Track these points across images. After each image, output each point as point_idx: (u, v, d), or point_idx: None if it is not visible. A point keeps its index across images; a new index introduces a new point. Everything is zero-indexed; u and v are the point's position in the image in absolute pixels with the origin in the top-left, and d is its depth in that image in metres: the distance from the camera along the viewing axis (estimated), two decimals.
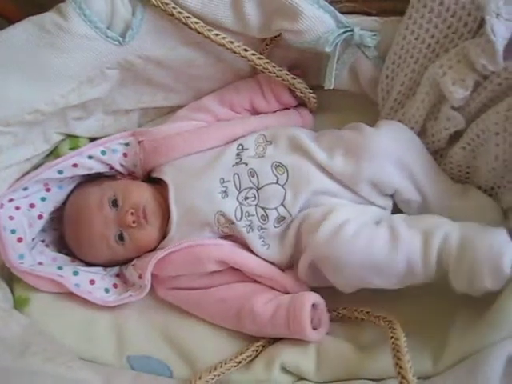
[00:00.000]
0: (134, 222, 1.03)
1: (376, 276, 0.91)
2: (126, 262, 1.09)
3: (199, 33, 1.00)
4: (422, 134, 1.02)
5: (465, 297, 0.93)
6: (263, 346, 0.99)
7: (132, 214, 1.03)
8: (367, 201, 1.00)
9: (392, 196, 1.02)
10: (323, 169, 1.00)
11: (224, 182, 1.02)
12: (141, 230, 1.04)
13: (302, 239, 0.98)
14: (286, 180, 1.00)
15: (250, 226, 1.01)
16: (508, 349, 0.79)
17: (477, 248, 0.85)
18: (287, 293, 1.01)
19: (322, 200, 0.99)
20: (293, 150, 1.03)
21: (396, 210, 1.03)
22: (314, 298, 0.97)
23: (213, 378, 0.91)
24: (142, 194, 1.06)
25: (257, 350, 0.98)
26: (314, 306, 0.97)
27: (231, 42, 1.02)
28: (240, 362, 0.95)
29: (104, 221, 1.04)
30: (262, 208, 1.01)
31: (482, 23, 0.89)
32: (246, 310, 0.98)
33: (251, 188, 1.01)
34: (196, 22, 0.99)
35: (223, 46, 1.01)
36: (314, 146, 1.02)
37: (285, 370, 0.96)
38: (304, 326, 0.94)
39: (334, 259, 0.92)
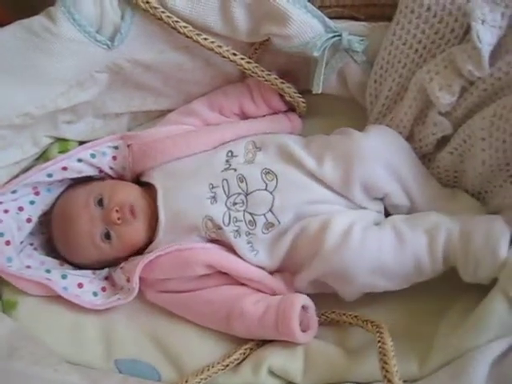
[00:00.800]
0: (118, 219, 1.03)
1: (384, 279, 0.94)
2: (114, 263, 1.09)
3: (188, 37, 1.00)
4: (409, 138, 1.03)
5: (451, 300, 0.94)
6: (251, 349, 0.99)
7: (117, 211, 1.03)
8: (360, 206, 1.01)
9: (382, 200, 1.02)
10: (314, 176, 1.01)
11: (213, 187, 1.03)
12: (127, 226, 1.04)
13: (298, 252, 0.99)
14: (275, 187, 1.01)
15: (237, 231, 1.01)
16: (492, 352, 0.80)
17: (475, 240, 0.88)
18: (275, 295, 1.01)
19: (316, 209, 1.00)
20: (282, 158, 1.03)
21: (386, 214, 1.03)
22: (303, 300, 0.97)
23: (199, 382, 0.91)
24: (129, 192, 1.07)
25: (244, 353, 0.98)
26: (303, 308, 0.97)
27: (220, 47, 1.02)
28: (227, 366, 0.95)
29: (90, 219, 1.04)
30: (250, 214, 1.01)
31: (468, 29, 0.90)
32: (235, 311, 0.98)
33: (240, 194, 1.02)
34: (185, 27, 0.99)
35: (212, 50, 1.02)
36: (303, 153, 1.02)
37: (272, 373, 0.96)
38: (293, 328, 0.94)
39: (344, 271, 0.93)
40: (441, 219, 0.94)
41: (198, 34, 1.00)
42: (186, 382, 0.89)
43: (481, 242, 0.88)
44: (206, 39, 1.01)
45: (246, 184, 1.02)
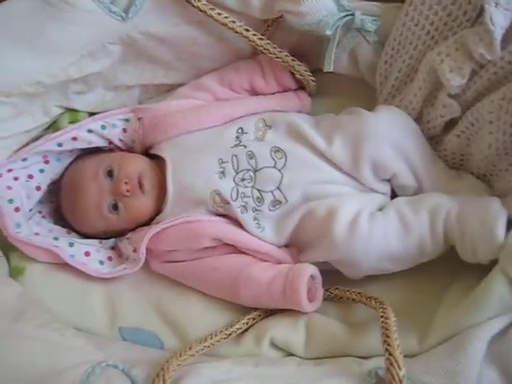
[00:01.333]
0: (127, 191, 1.04)
1: (390, 263, 0.96)
2: (120, 233, 1.10)
3: (202, 11, 1.01)
4: (418, 120, 1.04)
5: (452, 279, 0.95)
6: (254, 319, 1.00)
7: (126, 183, 1.04)
8: (367, 187, 1.02)
9: (389, 181, 1.03)
10: (323, 156, 1.02)
11: (222, 162, 1.04)
12: (135, 199, 1.05)
13: (305, 233, 1.00)
14: (284, 165, 1.02)
15: (244, 206, 1.02)
16: (491, 329, 0.81)
17: (472, 222, 0.90)
18: None
19: (324, 189, 1.01)
20: (292, 137, 1.04)
21: (392, 195, 1.05)
22: (312, 269, 0.98)
23: (202, 349, 0.92)
24: (138, 164, 1.07)
25: (247, 323, 0.99)
26: (311, 277, 0.98)
27: (233, 22, 1.03)
28: (230, 334, 0.96)
29: (99, 190, 1.05)
30: (258, 190, 1.02)
31: (481, 12, 0.90)
32: (242, 277, 0.99)
33: (248, 170, 1.03)
34: (199, 0, 1.00)
35: (225, 25, 1.02)
36: (312, 132, 1.03)
37: (274, 345, 0.97)
38: (300, 295, 0.95)
39: (351, 258, 0.96)
40: (442, 199, 0.96)
41: (211, 9, 1.01)
42: (190, 348, 0.90)
43: (477, 224, 0.89)
44: (219, 14, 1.01)
45: (256, 161, 1.03)
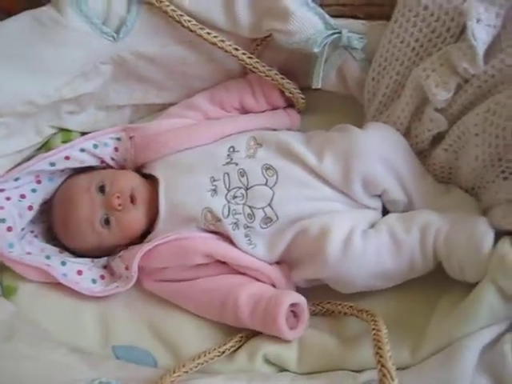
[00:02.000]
0: (119, 205, 1.04)
1: (381, 280, 0.98)
2: (112, 251, 1.10)
3: (192, 31, 1.02)
4: (406, 135, 1.05)
5: (444, 290, 0.96)
6: (246, 337, 1.00)
7: (118, 197, 1.05)
8: (359, 203, 1.03)
9: (380, 196, 1.04)
10: (314, 172, 1.03)
11: (214, 180, 1.04)
12: (127, 213, 1.05)
13: (297, 251, 1.01)
14: (275, 182, 1.03)
15: (236, 223, 1.03)
16: (482, 340, 0.82)
17: (459, 242, 0.92)
18: (273, 285, 1.03)
19: (316, 206, 1.02)
20: (283, 154, 1.05)
21: (383, 210, 1.06)
22: (293, 298, 0.98)
23: (196, 367, 0.92)
24: (130, 180, 1.09)
25: (240, 341, 0.99)
26: (293, 305, 0.98)
27: (222, 41, 1.04)
28: (223, 352, 0.96)
29: (91, 205, 1.06)
30: (249, 207, 1.03)
31: (463, 29, 0.93)
32: (230, 302, 0.99)
33: (240, 188, 1.04)
34: (189, 21, 1.02)
35: (215, 44, 1.04)
36: (303, 149, 1.04)
37: (267, 361, 0.97)
38: (279, 326, 0.95)
39: (345, 276, 0.97)
40: (431, 217, 0.97)
41: (201, 28, 1.03)
42: (183, 366, 0.90)
43: (464, 244, 0.91)
44: (209, 33, 1.03)
45: (247, 178, 1.04)
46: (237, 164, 1.05)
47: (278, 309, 0.95)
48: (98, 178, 1.08)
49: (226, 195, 1.04)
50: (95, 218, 1.06)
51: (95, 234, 1.07)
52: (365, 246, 0.95)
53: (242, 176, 1.04)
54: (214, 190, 1.04)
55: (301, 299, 0.99)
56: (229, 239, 1.04)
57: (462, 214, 0.97)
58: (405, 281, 0.99)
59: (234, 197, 1.03)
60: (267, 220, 1.02)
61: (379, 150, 1.01)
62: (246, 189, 1.03)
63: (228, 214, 1.03)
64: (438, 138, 1.03)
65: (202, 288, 1.03)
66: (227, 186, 1.04)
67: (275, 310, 0.95)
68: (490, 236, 0.90)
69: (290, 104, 1.16)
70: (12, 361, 0.86)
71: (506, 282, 0.84)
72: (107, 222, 1.06)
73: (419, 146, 1.05)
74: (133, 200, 1.05)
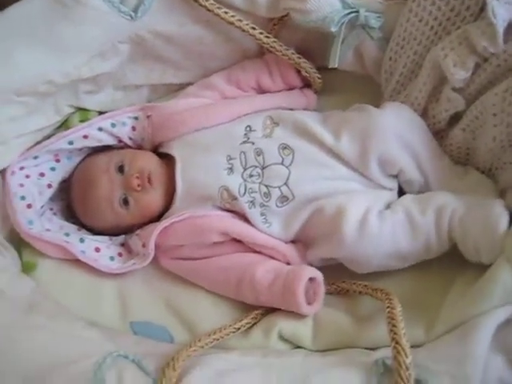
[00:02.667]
0: (138, 186, 1.05)
1: (397, 261, 0.98)
2: (130, 229, 1.12)
3: (209, 10, 1.03)
4: (423, 115, 1.05)
5: (459, 271, 0.96)
6: (262, 314, 1.01)
7: (137, 177, 1.06)
8: (375, 183, 1.03)
9: (396, 177, 1.04)
10: (331, 152, 1.03)
11: (230, 159, 1.05)
12: (145, 194, 1.06)
13: (312, 230, 1.02)
14: (292, 161, 1.03)
15: (252, 202, 1.04)
16: (497, 318, 0.82)
17: (475, 225, 0.92)
18: (288, 263, 1.04)
19: (332, 185, 1.02)
20: (299, 134, 1.05)
21: (399, 191, 1.06)
22: (311, 272, 0.99)
23: (212, 342, 0.93)
24: (148, 160, 1.09)
25: (256, 318, 1.00)
26: (311, 279, 0.99)
27: (240, 21, 1.04)
28: (239, 329, 0.97)
29: (110, 184, 1.07)
30: (266, 186, 1.03)
31: (483, 6, 0.92)
32: (246, 278, 1.00)
33: (256, 166, 1.04)
34: (206, 0, 1.02)
35: (232, 24, 1.04)
36: (320, 128, 1.04)
37: (282, 337, 0.98)
38: (298, 300, 0.96)
39: (361, 256, 0.97)
40: (447, 199, 0.97)
41: (218, 8, 1.03)
42: (199, 341, 0.91)
43: (479, 227, 0.91)
44: (226, 13, 1.03)
45: (263, 158, 1.04)
46: (253, 143, 1.05)
47: (297, 283, 0.96)
48: (117, 157, 1.09)
49: (243, 174, 1.04)
50: (114, 197, 1.07)
51: (114, 213, 1.08)
52: (381, 227, 0.96)
53: (259, 155, 1.04)
54: (231, 169, 1.05)
55: (318, 274, 0.99)
56: (245, 218, 1.05)
57: (478, 196, 0.97)
58: (420, 261, 0.99)
59: (251, 175, 1.04)
60: (283, 199, 1.03)
61: (396, 130, 1.01)
62: (262, 168, 1.04)
63: (244, 193, 1.04)
64: (456, 118, 1.02)
65: (218, 266, 1.04)
66: (243, 164, 1.04)
67: (294, 284, 0.96)
68: (505, 218, 0.90)
69: (306, 84, 1.16)
70: (30, 332, 0.88)
71: None
72: (126, 202, 1.07)
73: (436, 127, 1.05)
74: (151, 181, 1.06)
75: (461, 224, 0.93)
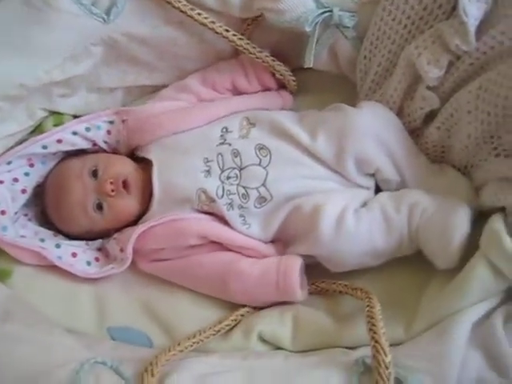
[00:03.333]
0: (112, 191, 1.04)
1: (372, 258, 0.99)
2: (106, 234, 1.11)
3: (182, 11, 1.02)
4: (399, 114, 1.05)
5: (436, 268, 0.97)
6: (242, 315, 1.01)
7: (111, 183, 1.04)
8: (352, 182, 1.03)
9: (373, 175, 1.05)
10: (307, 151, 1.03)
11: (208, 161, 1.04)
12: (119, 199, 1.05)
13: (291, 228, 1.02)
14: (269, 162, 1.03)
15: (230, 204, 1.03)
16: (474, 314, 0.83)
17: (434, 230, 0.94)
18: None
19: (309, 184, 1.02)
20: (276, 134, 1.05)
21: (376, 189, 1.06)
22: (299, 260, 1.00)
23: (191, 345, 0.93)
24: (124, 166, 1.08)
25: (236, 320, 1.00)
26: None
27: (213, 22, 1.04)
28: (219, 331, 0.97)
29: (83, 189, 1.06)
30: (243, 187, 1.03)
31: (455, 6, 0.92)
32: (231, 272, 1.00)
33: (234, 168, 1.04)
34: (179, 1, 1.01)
35: (205, 25, 1.04)
36: (296, 128, 1.04)
37: (262, 339, 0.98)
38: (294, 286, 0.97)
39: (337, 254, 0.97)
40: (420, 197, 0.98)
41: (191, 9, 1.02)
42: (179, 345, 0.91)
43: (436, 236, 0.93)
44: (199, 14, 1.03)
45: (240, 159, 1.04)
46: (230, 144, 1.05)
47: (292, 271, 0.97)
48: (91, 162, 1.08)
49: (220, 176, 1.04)
50: (88, 202, 1.06)
51: (88, 218, 1.07)
52: (357, 225, 0.96)
53: (236, 156, 1.04)
54: (208, 171, 1.04)
55: (302, 261, 1.01)
56: (223, 220, 1.05)
57: (454, 194, 0.99)
58: (397, 259, 1.00)
59: (228, 177, 1.03)
60: (261, 200, 1.02)
61: (372, 129, 1.01)
62: (240, 169, 1.04)
63: (222, 195, 1.03)
64: (431, 117, 1.03)
65: (199, 263, 1.03)
66: (221, 166, 1.04)
67: (289, 273, 0.97)
68: (463, 230, 0.91)
69: (282, 85, 1.16)
70: (7, 343, 0.87)
71: (498, 258, 0.84)
72: (100, 206, 1.06)
73: (412, 125, 1.05)
74: (126, 187, 1.05)
75: (425, 225, 0.95)
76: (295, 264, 0.99)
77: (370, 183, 1.05)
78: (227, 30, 1.06)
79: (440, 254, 0.93)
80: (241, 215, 1.03)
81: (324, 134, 1.02)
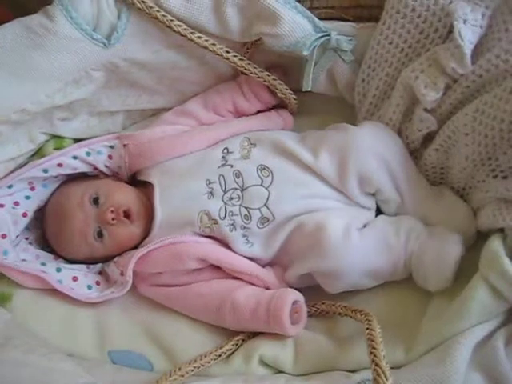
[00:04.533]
0: (113, 220, 1.04)
1: (368, 279, 0.99)
2: (106, 259, 1.11)
3: (182, 35, 1.03)
4: (398, 135, 1.06)
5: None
6: (243, 340, 1.01)
7: (112, 211, 1.04)
8: (354, 202, 1.03)
9: (374, 195, 1.05)
10: (310, 170, 1.03)
11: (210, 183, 1.05)
12: (120, 227, 1.05)
13: (293, 247, 1.02)
14: (271, 183, 1.03)
15: (232, 225, 1.03)
16: (475, 337, 0.83)
17: (428, 255, 0.96)
18: (267, 287, 1.03)
19: (311, 203, 1.02)
20: (277, 153, 1.06)
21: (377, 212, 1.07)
22: (294, 296, 0.99)
23: (192, 370, 0.92)
24: (125, 194, 1.08)
25: (236, 344, 1.00)
26: (293, 302, 0.99)
27: (213, 45, 1.05)
28: (220, 356, 0.97)
29: (84, 217, 1.06)
30: (246, 208, 1.03)
31: (451, 29, 0.94)
32: (227, 304, 1.00)
33: (236, 189, 1.04)
34: (179, 25, 1.02)
35: (206, 48, 1.05)
36: (298, 147, 1.05)
37: (263, 363, 0.97)
38: (284, 324, 0.96)
39: (339, 268, 0.97)
40: (415, 224, 1.00)
41: (192, 33, 1.03)
42: (179, 369, 0.91)
43: (431, 261, 0.95)
44: (199, 37, 1.04)
45: (242, 180, 1.04)
46: (232, 166, 1.05)
47: (283, 307, 0.96)
48: (92, 189, 1.08)
49: (223, 197, 1.04)
50: (88, 230, 1.06)
51: (88, 246, 1.07)
52: (362, 240, 0.97)
53: (238, 177, 1.04)
54: (211, 193, 1.05)
55: (300, 296, 1.00)
56: (224, 243, 1.05)
57: (452, 216, 1.01)
58: (394, 281, 1.01)
59: (231, 198, 1.04)
60: (264, 220, 1.03)
61: (375, 148, 1.01)
62: (242, 190, 1.04)
63: (225, 216, 1.03)
64: (429, 139, 1.04)
65: (197, 292, 1.04)
66: (223, 187, 1.04)
67: (279, 309, 0.96)
68: (455, 256, 0.94)
69: (282, 105, 1.16)
70: (7, 369, 0.86)
71: (497, 280, 0.84)
72: (100, 234, 1.06)
73: (410, 147, 1.06)
74: (128, 216, 1.05)
75: (419, 251, 0.97)
76: (286, 303, 0.97)
77: (372, 203, 1.05)
78: (228, 52, 1.07)
79: (433, 278, 0.95)
80: (243, 235, 1.04)
81: (326, 153, 1.03)
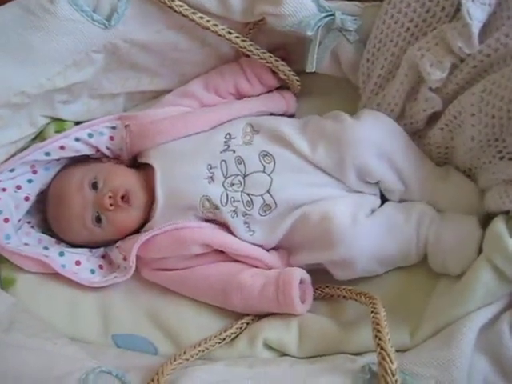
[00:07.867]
0: (111, 205, 1.03)
1: (379, 265, 0.99)
2: (107, 243, 1.10)
3: (184, 16, 1.01)
4: (401, 115, 1.05)
5: (441, 273, 0.96)
6: (247, 324, 1.01)
7: (110, 197, 1.04)
8: (356, 190, 1.02)
9: (377, 184, 1.04)
10: (308, 160, 1.02)
11: (211, 168, 1.04)
12: (119, 212, 1.04)
13: (298, 236, 1.01)
14: (273, 169, 1.02)
15: (234, 211, 1.03)
16: (480, 320, 0.83)
17: (447, 239, 0.95)
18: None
19: (314, 192, 1.01)
20: (278, 142, 1.04)
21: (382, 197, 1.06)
22: (301, 273, 0.99)
23: (197, 354, 0.92)
24: (125, 178, 1.07)
25: (241, 328, 1.00)
26: (300, 280, 0.99)
27: (215, 25, 1.03)
28: (224, 339, 0.97)
29: (82, 202, 1.05)
30: (248, 194, 1.02)
31: (458, 8, 0.92)
32: (233, 284, 1.00)
33: (237, 175, 1.03)
34: (180, 6, 1.00)
35: (207, 28, 1.03)
36: (298, 138, 1.03)
37: (268, 346, 0.97)
38: (293, 299, 0.96)
39: (349, 259, 0.97)
40: (426, 208, 0.99)
41: (193, 13, 1.02)
42: (184, 353, 0.91)
43: (450, 244, 0.95)
44: (201, 18, 1.02)
45: (244, 166, 1.03)
46: (234, 151, 1.04)
47: (291, 282, 0.96)
48: (92, 173, 1.07)
49: (224, 183, 1.03)
50: (86, 215, 1.05)
51: (87, 230, 1.06)
52: (371, 225, 0.97)
53: (240, 163, 1.03)
54: (212, 178, 1.03)
55: (306, 275, 1.00)
56: (226, 228, 1.04)
57: (459, 197, 1.00)
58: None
59: (232, 184, 1.03)
60: (266, 207, 1.02)
61: (372, 140, 1.00)
62: (244, 176, 1.03)
63: (226, 202, 1.03)
64: (434, 118, 1.02)
65: (202, 274, 1.03)
66: (224, 173, 1.03)
67: (288, 283, 0.96)
68: (477, 236, 0.93)
69: (285, 86, 1.15)
70: (11, 352, 0.86)
71: (502, 261, 0.84)
72: (99, 220, 1.05)
73: (414, 127, 1.05)
74: (126, 200, 1.04)
75: (435, 235, 0.96)
76: (295, 278, 0.97)
77: (375, 190, 1.04)
78: (230, 33, 1.05)
79: (454, 262, 0.94)
80: (245, 222, 1.03)
81: (324, 147, 1.02)
